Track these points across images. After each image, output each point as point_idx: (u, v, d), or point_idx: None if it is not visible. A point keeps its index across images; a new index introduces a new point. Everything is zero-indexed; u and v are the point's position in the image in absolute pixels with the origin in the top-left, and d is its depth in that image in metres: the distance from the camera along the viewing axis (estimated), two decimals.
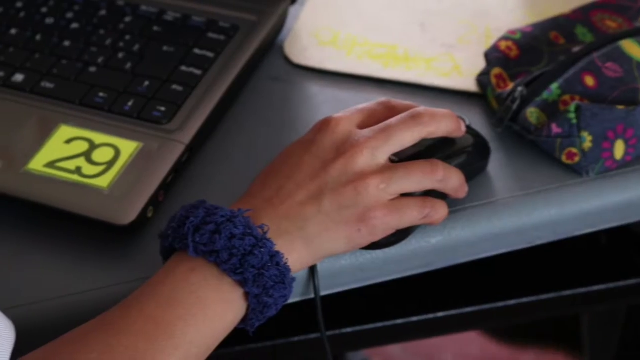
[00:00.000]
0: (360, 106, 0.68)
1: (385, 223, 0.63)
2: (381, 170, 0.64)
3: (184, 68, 0.79)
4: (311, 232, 0.62)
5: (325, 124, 0.66)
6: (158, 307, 0.58)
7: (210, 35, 0.83)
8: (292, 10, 0.89)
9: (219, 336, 0.60)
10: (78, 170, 0.70)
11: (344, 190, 0.63)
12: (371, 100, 0.71)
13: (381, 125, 0.65)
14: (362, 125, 0.67)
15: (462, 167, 0.68)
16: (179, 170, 0.73)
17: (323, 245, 0.63)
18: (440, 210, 0.66)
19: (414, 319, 0.84)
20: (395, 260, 0.69)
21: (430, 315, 0.84)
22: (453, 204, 0.70)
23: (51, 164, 0.71)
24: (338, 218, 0.63)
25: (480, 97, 0.81)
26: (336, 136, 0.65)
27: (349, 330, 0.83)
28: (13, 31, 0.84)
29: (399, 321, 0.83)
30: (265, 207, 0.63)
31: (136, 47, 0.82)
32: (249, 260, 0.59)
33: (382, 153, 0.64)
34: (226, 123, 0.79)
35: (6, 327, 0.55)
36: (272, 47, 0.87)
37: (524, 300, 0.85)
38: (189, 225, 0.60)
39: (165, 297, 0.59)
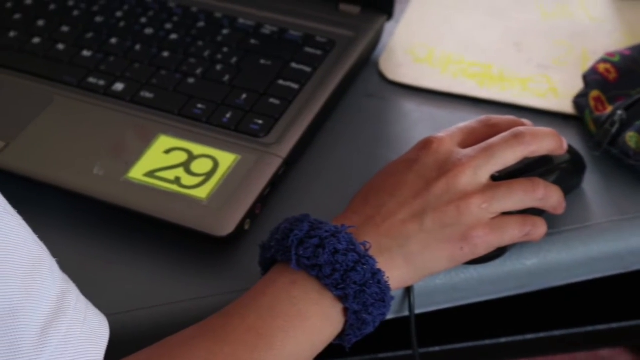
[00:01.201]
0: (461, 124, 0.69)
1: (487, 242, 0.63)
2: (483, 189, 0.64)
3: (281, 82, 0.80)
4: (412, 250, 0.62)
5: (427, 143, 0.66)
6: (259, 318, 0.59)
7: (307, 49, 0.83)
8: (388, 26, 0.89)
9: (316, 350, 0.60)
10: (177, 181, 0.71)
11: (446, 209, 0.63)
12: (467, 119, 0.71)
13: (483, 144, 0.65)
14: (464, 144, 0.67)
15: (559, 183, 0.68)
16: (276, 183, 0.73)
17: (424, 263, 0.63)
18: (540, 227, 0.66)
19: (503, 340, 0.83)
20: (490, 281, 0.69)
21: (519, 337, 0.83)
22: (550, 226, 0.69)
23: (151, 174, 0.72)
24: (440, 236, 0.63)
25: (576, 119, 0.80)
26: (439, 155, 0.65)
27: (439, 348, 0.82)
28: (113, 40, 0.86)
29: (488, 342, 0.83)
30: (366, 224, 0.63)
31: (234, 60, 0.83)
32: (351, 276, 0.59)
33: (484, 172, 0.64)
34: (321, 137, 0.80)
35: (101, 324, 0.55)
36: (367, 63, 0.87)
37: (614, 325, 0.84)
38: (293, 238, 0.61)
39: (266, 308, 0.59)
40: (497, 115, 0.71)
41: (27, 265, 0.51)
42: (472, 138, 0.68)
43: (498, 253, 0.67)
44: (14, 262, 0.50)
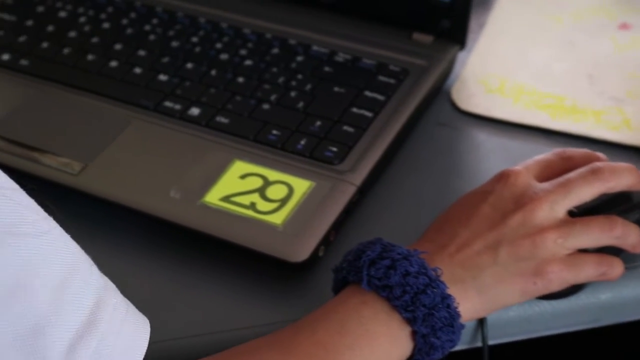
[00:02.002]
0: (537, 157, 0.69)
1: (561, 278, 0.63)
2: (559, 224, 0.64)
3: (355, 110, 0.81)
4: (485, 282, 0.63)
5: (504, 176, 0.66)
6: (327, 334, 0.59)
7: (381, 78, 0.84)
8: (460, 56, 0.90)
9: None
10: (252, 206, 0.72)
11: (521, 243, 0.63)
12: (539, 151, 0.71)
13: (561, 179, 0.65)
14: (540, 177, 0.67)
15: (638, 223, 0.68)
16: (349, 210, 0.74)
17: (497, 296, 0.63)
18: (617, 268, 0.65)
19: None
20: (564, 314, 0.69)
21: None
22: (626, 260, 0.69)
23: (226, 198, 0.73)
24: (514, 270, 0.63)
25: None
26: (515, 188, 0.65)
27: None
28: (189, 65, 0.87)
29: None
30: (440, 253, 0.64)
31: (308, 87, 0.83)
32: (420, 298, 0.60)
33: (561, 207, 0.64)
34: (394, 166, 0.80)
35: (137, 337, 0.55)
36: (440, 92, 0.87)
37: None
38: (365, 259, 0.61)
39: (336, 325, 0.60)
40: (571, 148, 0.71)
41: (56, 278, 0.49)
42: (548, 171, 0.68)
43: (572, 290, 0.67)
44: (41, 277, 0.48)
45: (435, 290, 0.60)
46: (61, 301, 0.49)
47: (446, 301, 0.61)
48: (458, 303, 0.61)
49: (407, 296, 0.60)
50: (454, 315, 0.61)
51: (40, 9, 0.96)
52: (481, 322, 0.67)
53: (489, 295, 0.63)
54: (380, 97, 0.82)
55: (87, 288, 0.51)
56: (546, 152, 0.71)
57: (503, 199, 0.65)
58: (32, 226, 0.49)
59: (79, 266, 0.51)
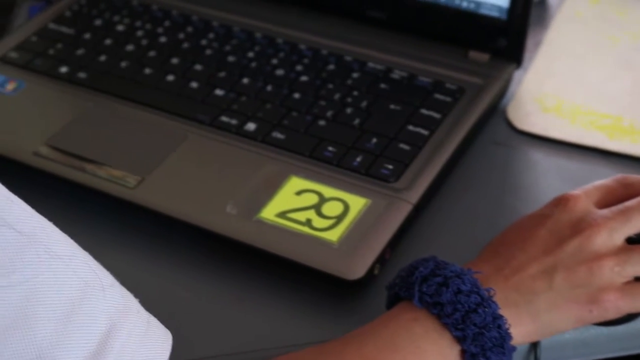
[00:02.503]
0: (597, 183, 0.68)
1: (618, 306, 0.63)
2: (617, 252, 0.63)
3: (411, 127, 0.80)
4: (540, 307, 0.62)
5: (562, 200, 0.66)
6: (376, 349, 0.59)
7: (437, 96, 0.84)
8: (516, 74, 0.89)
9: None
10: (308, 222, 0.72)
11: (578, 269, 0.62)
12: (596, 171, 0.71)
13: (620, 206, 0.65)
14: (599, 203, 0.66)
15: None
16: (405, 228, 0.74)
17: (550, 322, 0.63)
18: None
19: None
20: (620, 338, 0.68)
21: None
22: None
23: (282, 214, 0.73)
24: (569, 296, 0.62)
25: None
26: (574, 214, 0.65)
27: None
28: (245, 80, 0.87)
29: None
30: (495, 275, 0.63)
31: (364, 104, 0.83)
32: (471, 317, 0.59)
33: (620, 234, 0.64)
34: (449, 184, 0.80)
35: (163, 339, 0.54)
36: (496, 110, 0.87)
37: None
38: (417, 275, 0.61)
39: (385, 341, 0.59)
40: (629, 170, 0.71)
41: (64, 305, 0.47)
42: (608, 197, 0.67)
43: (628, 318, 0.66)
44: (47, 305, 0.46)
45: (486, 309, 0.60)
46: (67, 332, 0.46)
47: (497, 321, 0.60)
48: (510, 325, 0.61)
49: (458, 314, 0.60)
50: (504, 336, 0.60)
51: (98, 22, 0.97)
52: (534, 345, 0.67)
53: (542, 320, 0.62)
54: (436, 115, 0.82)
55: (98, 315, 0.48)
56: (603, 174, 0.70)
57: (561, 224, 0.64)
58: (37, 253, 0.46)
59: (92, 288, 0.49)
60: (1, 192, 0.46)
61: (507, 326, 0.60)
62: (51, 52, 0.93)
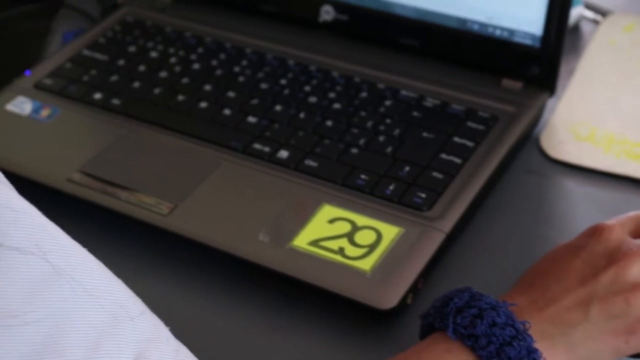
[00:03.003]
0: (632, 213, 0.68)
1: None
2: None
3: (443, 155, 0.80)
4: (575, 339, 0.62)
5: (597, 230, 0.65)
6: None
7: (470, 124, 0.84)
8: (549, 102, 0.89)
9: None
10: (341, 251, 0.72)
11: (614, 300, 0.62)
12: (630, 201, 0.70)
13: None
14: (634, 233, 0.66)
15: None
16: (437, 257, 0.73)
17: (587, 354, 0.62)
18: None
19: None
20: None
21: None
22: None
23: (315, 243, 0.73)
24: (605, 328, 0.62)
25: None
26: (609, 244, 0.64)
27: None
28: (278, 108, 0.87)
29: None
30: (530, 307, 0.63)
31: (396, 131, 0.83)
32: (506, 350, 0.59)
33: None
34: (482, 213, 0.80)
35: None
36: (529, 138, 0.87)
37: None
38: (452, 306, 0.61)
39: None
40: None
41: (92, 335, 0.46)
42: None
43: None
44: (75, 335, 0.45)
45: (521, 343, 0.59)
46: None
47: (532, 355, 0.60)
48: (545, 358, 0.60)
49: (492, 347, 0.59)
50: None
51: (132, 49, 0.98)
52: None
53: (578, 352, 0.62)
54: (469, 144, 0.82)
55: (126, 345, 0.47)
56: (637, 203, 0.70)
57: (595, 254, 0.64)
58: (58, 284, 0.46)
59: (118, 322, 0.48)
60: (37, 220, 0.47)
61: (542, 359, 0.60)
62: (85, 78, 0.94)
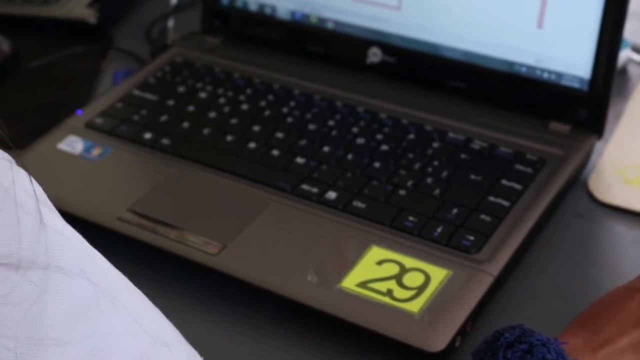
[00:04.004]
0: None
1: None
2: None
3: (491, 198, 0.80)
4: None
5: None
6: None
7: (518, 167, 0.84)
8: (597, 145, 0.89)
9: None
10: (389, 293, 0.72)
11: None
12: None
13: None
14: None
15: None
16: (486, 300, 0.73)
17: None
18: None
19: None
20: None
21: None
22: None
23: (363, 284, 0.73)
24: None
25: None
26: None
27: None
28: (326, 149, 0.88)
29: None
30: (583, 347, 0.62)
31: (444, 174, 0.84)
32: None
33: None
34: (530, 256, 0.79)
35: None
36: (576, 182, 0.87)
37: None
38: (502, 341, 0.61)
39: None
40: None
41: (132, 358, 0.47)
42: None
43: None
44: (116, 358, 0.46)
45: None
46: None
47: None
48: None
49: None
50: None
51: (181, 89, 0.99)
52: None
53: None
54: (517, 186, 0.82)
55: None
56: None
57: None
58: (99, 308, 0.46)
59: (157, 347, 0.48)
60: (81, 245, 0.48)
61: None
62: (135, 118, 0.95)
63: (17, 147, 0.50)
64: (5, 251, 0.43)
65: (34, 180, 0.48)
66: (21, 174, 0.47)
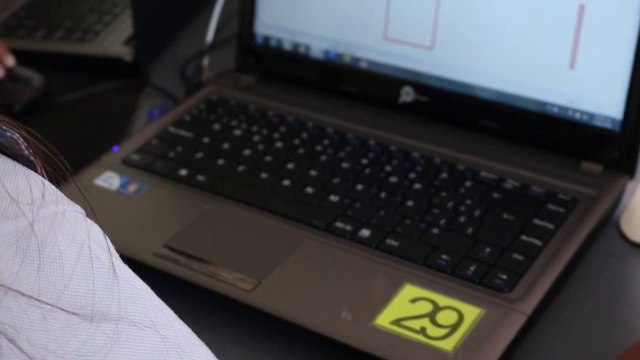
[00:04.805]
0: None
1: None
2: None
3: (524, 237, 0.81)
4: None
5: None
6: None
7: (550, 206, 0.84)
8: (629, 185, 0.89)
9: None
10: (423, 331, 0.73)
11: None
12: None
13: None
14: None
15: None
16: (518, 339, 0.74)
17: None
18: None
19: None
20: None
21: None
22: None
23: (397, 322, 0.74)
24: None
25: None
26: None
27: None
28: (359, 187, 0.89)
29: None
30: None
31: (476, 212, 0.84)
32: None
33: None
34: (563, 295, 0.80)
35: None
36: (608, 222, 0.87)
37: None
38: None
39: None
40: None
41: None
42: None
43: None
44: None
45: None
46: None
47: None
48: None
49: None
50: None
51: (216, 126, 1.00)
52: None
53: None
54: (550, 226, 0.82)
55: None
56: None
57: None
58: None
59: None
60: (151, 298, 0.49)
61: None
62: (171, 155, 0.96)
63: (54, 182, 0.52)
64: (81, 303, 0.45)
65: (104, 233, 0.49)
66: (94, 227, 0.48)
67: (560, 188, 0.87)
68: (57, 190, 0.50)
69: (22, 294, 0.44)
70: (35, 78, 1.13)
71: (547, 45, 0.89)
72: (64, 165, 0.53)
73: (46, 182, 0.50)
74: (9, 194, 0.47)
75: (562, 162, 0.90)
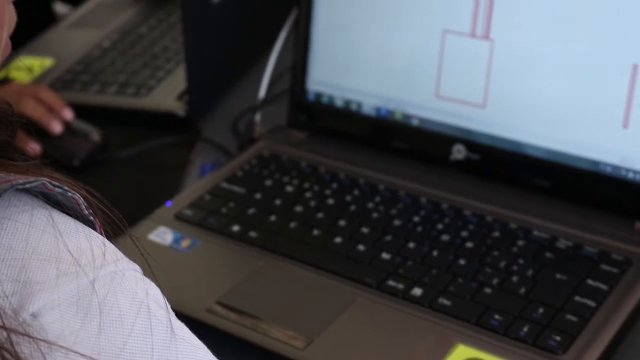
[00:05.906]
0: None
1: None
2: None
3: (578, 298, 0.81)
4: None
5: None
6: None
7: (604, 267, 0.84)
8: None
9: None
10: None
11: None
12: None
13: None
14: None
15: None
16: None
17: None
18: None
19: None
20: None
21: None
22: None
23: None
24: None
25: None
26: None
27: None
28: (411, 245, 0.89)
29: None
30: None
31: (529, 272, 0.84)
32: None
33: None
34: (618, 357, 0.79)
35: None
36: None
37: None
38: None
39: None
40: None
41: None
42: None
43: None
44: None
45: None
46: None
47: None
48: None
49: None
50: None
51: (269, 183, 1.01)
52: None
53: None
54: (604, 287, 0.82)
55: None
56: None
57: None
58: None
59: None
60: (207, 356, 0.50)
61: None
62: (224, 210, 0.97)
63: (111, 238, 0.52)
64: None
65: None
66: (152, 286, 0.49)
67: (614, 248, 0.86)
68: (117, 249, 0.51)
69: (82, 355, 0.45)
70: (94, 132, 1.15)
71: (600, 104, 0.89)
72: (122, 223, 0.54)
73: (106, 241, 0.51)
74: (71, 253, 0.48)
75: (615, 222, 0.89)
